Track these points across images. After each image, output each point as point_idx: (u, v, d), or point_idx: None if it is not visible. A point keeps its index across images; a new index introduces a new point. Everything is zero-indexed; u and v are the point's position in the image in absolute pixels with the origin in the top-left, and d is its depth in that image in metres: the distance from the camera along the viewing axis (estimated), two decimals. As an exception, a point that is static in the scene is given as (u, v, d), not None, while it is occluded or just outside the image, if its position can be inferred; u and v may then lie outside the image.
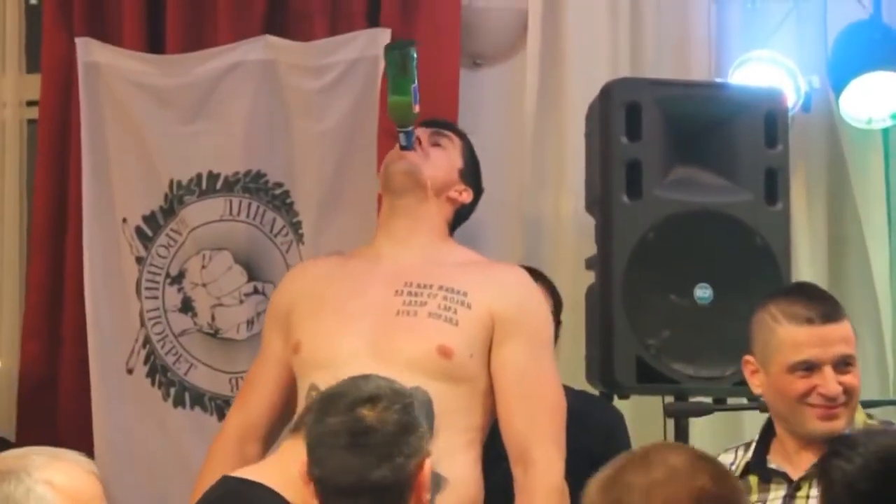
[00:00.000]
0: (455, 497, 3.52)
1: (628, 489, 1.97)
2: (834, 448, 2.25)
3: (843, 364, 3.06)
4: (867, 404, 4.30)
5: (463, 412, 3.56)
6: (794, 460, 3.10)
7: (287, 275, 3.98)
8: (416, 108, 3.66)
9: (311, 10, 4.70)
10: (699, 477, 1.97)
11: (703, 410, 3.91)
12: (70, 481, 2.44)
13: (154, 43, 4.78)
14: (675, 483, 1.96)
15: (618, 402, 4.18)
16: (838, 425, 3.05)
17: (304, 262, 4.45)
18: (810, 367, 3.05)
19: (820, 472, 2.24)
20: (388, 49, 3.81)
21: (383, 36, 4.58)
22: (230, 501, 2.93)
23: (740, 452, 3.23)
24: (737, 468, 3.19)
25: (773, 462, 3.13)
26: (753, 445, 3.20)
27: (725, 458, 3.23)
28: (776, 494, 3.11)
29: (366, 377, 2.81)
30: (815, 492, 3.02)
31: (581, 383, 4.14)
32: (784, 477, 3.11)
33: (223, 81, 4.68)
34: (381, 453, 2.63)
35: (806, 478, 3.07)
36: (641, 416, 4.40)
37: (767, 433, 3.19)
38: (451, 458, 3.49)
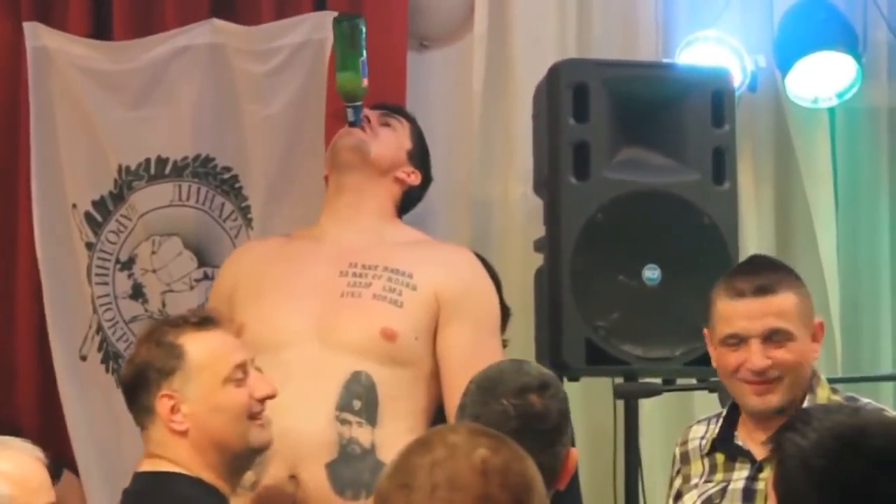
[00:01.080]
0: None
1: (412, 471, 1.96)
2: (789, 423, 2.21)
3: (775, 338, 2.99)
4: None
5: (407, 397, 3.49)
6: (755, 438, 3.05)
7: (229, 257, 3.91)
8: (365, 83, 3.59)
9: (259, -7, 4.61)
10: (478, 449, 1.96)
11: (652, 391, 3.85)
12: (17, 469, 2.47)
13: (101, 28, 4.67)
14: (455, 458, 1.95)
15: (567, 385, 4.09)
16: (772, 400, 3.00)
17: (246, 243, 4.37)
18: (740, 341, 3.01)
19: (774, 447, 2.19)
20: (336, 21, 3.73)
21: (329, 19, 4.44)
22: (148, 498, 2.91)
23: (712, 424, 3.19)
24: (706, 442, 3.15)
25: (740, 439, 3.09)
26: (721, 421, 3.14)
27: (697, 430, 3.21)
28: (740, 475, 3.07)
29: (525, 363, 2.80)
30: None
31: (531, 365, 4.05)
32: (748, 456, 3.07)
33: (171, 66, 4.58)
34: (546, 440, 2.59)
35: (769, 459, 3.00)
36: (591, 398, 4.35)
37: (735, 409, 3.14)
38: (395, 445, 3.35)
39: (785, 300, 3.01)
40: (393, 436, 3.45)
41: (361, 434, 3.47)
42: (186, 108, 4.58)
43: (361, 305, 3.49)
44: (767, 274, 3.05)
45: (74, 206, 4.66)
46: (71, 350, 4.64)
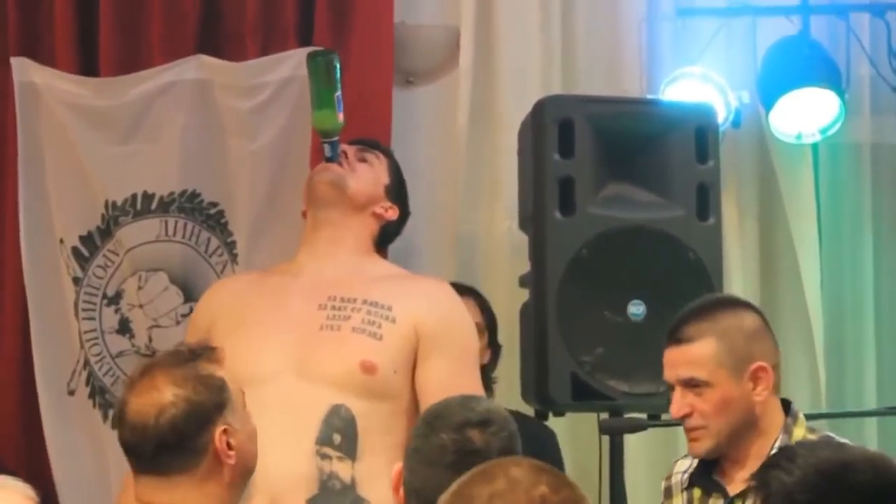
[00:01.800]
0: None
1: (471, 500, 1.95)
2: (774, 460, 2.19)
3: (691, 386, 2.99)
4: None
5: (386, 431, 3.44)
6: (728, 474, 3.04)
7: (206, 292, 3.87)
8: (341, 118, 3.56)
9: (244, 29, 4.58)
10: (538, 485, 1.96)
11: (637, 426, 3.80)
12: None
13: (87, 64, 4.64)
14: (515, 492, 1.95)
15: (553, 420, 4.07)
16: (699, 447, 3.02)
17: (222, 279, 4.33)
18: (671, 387, 3.03)
19: (758, 483, 2.17)
20: (310, 57, 3.70)
21: (316, 56, 4.45)
22: None
23: (694, 460, 3.15)
24: (686, 476, 3.14)
25: (717, 474, 3.06)
26: None
27: (682, 464, 3.19)
28: None
29: (476, 398, 2.75)
30: None
31: (516, 401, 4.02)
32: (722, 491, 3.05)
33: (157, 102, 4.55)
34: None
35: (741, 495, 2.99)
36: (576, 433, 4.31)
37: None
38: (374, 480, 3.40)
39: (701, 349, 2.99)
40: (372, 470, 3.40)
41: (341, 469, 3.42)
42: (173, 143, 4.56)
43: (340, 338, 3.45)
44: (695, 320, 3.02)
45: (62, 241, 4.62)
46: (59, 385, 4.58)
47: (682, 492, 3.14)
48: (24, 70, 4.59)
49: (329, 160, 3.59)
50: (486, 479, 1.97)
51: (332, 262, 3.59)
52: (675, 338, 3.01)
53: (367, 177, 3.68)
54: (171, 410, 2.72)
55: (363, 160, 3.70)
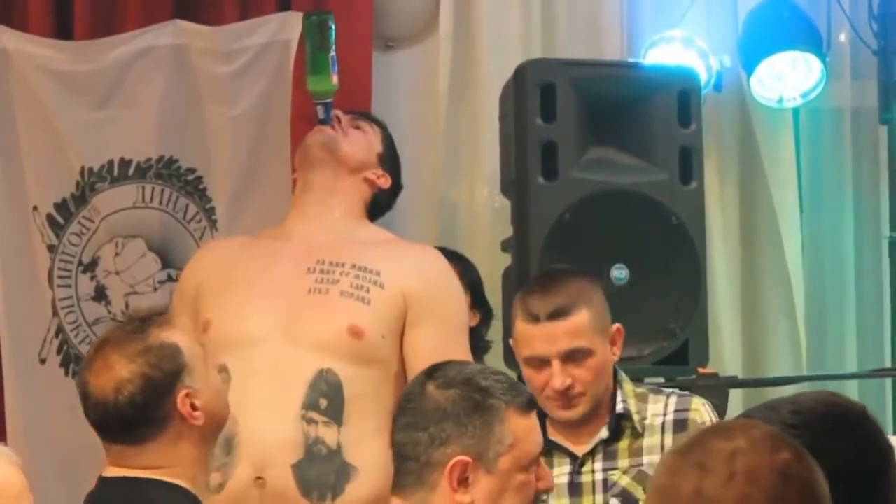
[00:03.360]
0: (365, 485, 3.36)
1: (710, 453, 1.89)
2: (751, 411, 2.18)
3: (574, 357, 3.03)
4: (782, 381, 4.26)
5: (373, 397, 3.40)
6: (570, 435, 3.10)
7: (195, 254, 3.83)
8: (335, 80, 3.52)
9: (222, -7, 4.53)
10: (782, 451, 1.91)
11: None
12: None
13: (62, 29, 4.57)
14: (758, 452, 1.89)
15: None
16: (577, 412, 3.07)
17: (210, 241, 4.28)
18: (541, 362, 3.05)
19: None
20: (306, 17, 3.65)
21: (294, 20, 4.39)
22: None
23: None
24: None
25: (553, 436, 3.10)
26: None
27: None
28: (560, 470, 3.10)
29: (490, 368, 2.69)
30: (599, 465, 3.08)
31: (500, 366, 3.98)
32: (566, 452, 3.10)
33: (134, 67, 4.48)
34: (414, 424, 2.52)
35: (590, 454, 3.09)
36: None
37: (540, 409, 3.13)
38: (361, 446, 3.36)
39: (579, 319, 3.04)
40: (358, 436, 3.37)
41: (327, 434, 3.38)
42: (150, 109, 4.49)
43: (328, 302, 3.40)
44: (560, 294, 3.05)
45: (35, 208, 4.55)
46: (28, 353, 4.53)
47: None
48: (-5, 36, 4.54)
49: (322, 122, 3.54)
50: (726, 435, 1.92)
51: (322, 225, 3.54)
52: (549, 313, 3.02)
53: (360, 141, 3.64)
54: (129, 387, 2.73)
55: (357, 127, 3.66)
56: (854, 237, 4.65)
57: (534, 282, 3.22)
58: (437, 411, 2.46)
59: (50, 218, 4.56)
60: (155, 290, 4.51)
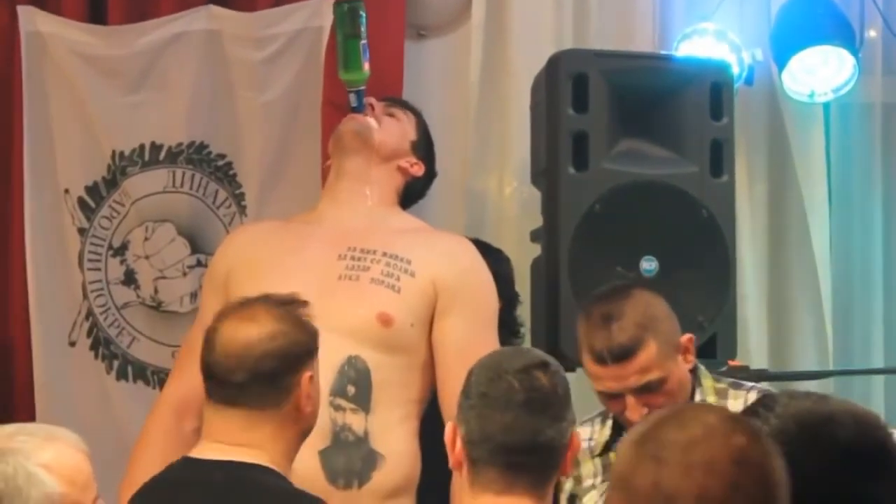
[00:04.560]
0: (391, 473, 3.34)
1: (665, 445, 1.85)
2: (752, 408, 2.10)
3: (647, 388, 2.95)
4: (810, 375, 4.22)
5: (400, 385, 3.37)
6: None
7: (225, 239, 3.80)
8: (367, 67, 3.48)
9: (255, -20, 4.51)
10: (737, 436, 1.86)
11: (651, 382, 3.74)
12: (68, 464, 2.34)
13: (96, 13, 4.56)
14: (713, 440, 1.85)
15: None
16: None
17: (242, 225, 4.26)
18: (615, 395, 2.97)
19: None
20: (337, 4, 3.61)
21: (326, 7, 4.35)
22: (238, 490, 2.66)
23: (596, 426, 3.15)
24: (596, 443, 3.11)
25: None
26: (610, 422, 3.10)
27: (582, 432, 3.14)
28: None
29: (524, 348, 2.76)
30: None
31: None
32: None
33: (166, 52, 4.47)
34: (553, 415, 2.49)
35: None
36: (585, 388, 4.24)
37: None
38: (387, 434, 3.33)
39: (646, 356, 2.94)
40: (385, 424, 3.34)
41: (355, 421, 3.36)
42: (181, 94, 4.48)
43: (358, 289, 3.38)
44: (624, 330, 2.94)
45: (67, 191, 4.55)
46: (59, 336, 4.52)
47: (592, 458, 3.11)
48: (30, 19, 4.51)
49: (355, 110, 3.51)
50: (679, 425, 1.88)
51: (354, 212, 3.51)
52: (615, 356, 2.93)
53: (394, 129, 3.60)
54: (272, 343, 2.65)
55: (391, 114, 3.63)
56: (882, 232, 4.60)
57: (595, 310, 3.03)
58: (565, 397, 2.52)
59: (81, 201, 4.55)
60: (184, 274, 4.50)
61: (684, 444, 1.83)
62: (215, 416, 2.70)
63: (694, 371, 3.06)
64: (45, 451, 2.33)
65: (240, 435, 2.67)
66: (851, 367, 4.50)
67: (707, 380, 3.07)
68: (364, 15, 3.49)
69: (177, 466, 2.75)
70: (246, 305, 2.72)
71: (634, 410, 2.94)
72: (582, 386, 4.22)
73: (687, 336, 3.03)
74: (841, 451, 1.97)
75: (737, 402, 3.00)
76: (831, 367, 4.42)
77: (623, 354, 2.93)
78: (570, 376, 3.98)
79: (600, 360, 2.95)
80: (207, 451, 2.70)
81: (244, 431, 2.67)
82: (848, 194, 4.62)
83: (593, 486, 3.09)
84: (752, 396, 2.99)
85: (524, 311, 4.04)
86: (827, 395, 2.13)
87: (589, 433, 3.14)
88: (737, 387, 3.08)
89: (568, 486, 3.15)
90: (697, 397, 3.02)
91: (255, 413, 2.66)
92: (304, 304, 2.76)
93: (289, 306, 2.73)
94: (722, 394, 3.05)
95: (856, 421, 2.01)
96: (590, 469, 3.11)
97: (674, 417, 1.91)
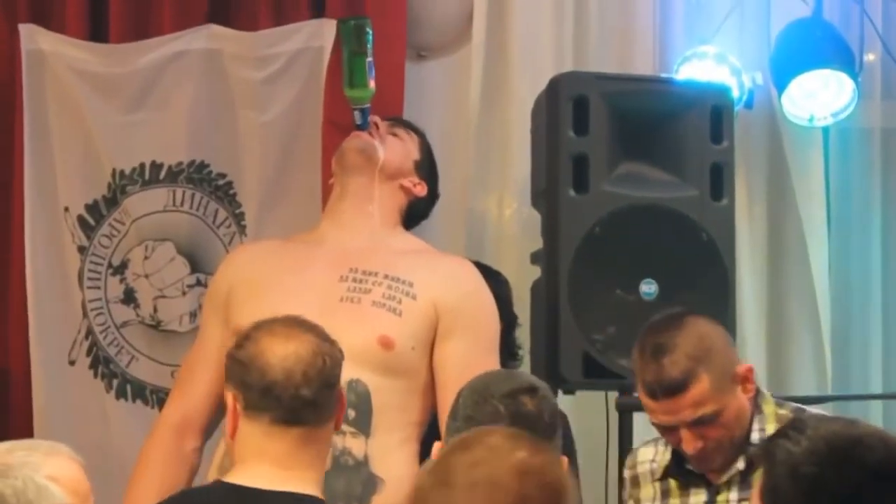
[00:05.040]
0: (391, 497, 3.32)
1: (451, 470, 1.94)
2: (783, 430, 2.08)
3: (702, 421, 2.89)
4: (807, 400, 4.21)
5: (401, 408, 3.36)
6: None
7: (225, 258, 3.79)
8: (372, 85, 3.46)
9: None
10: (517, 451, 1.96)
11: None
12: (70, 475, 2.37)
13: (97, 31, 4.54)
14: (495, 459, 1.94)
15: (561, 398, 4.00)
16: (714, 462, 2.95)
17: (242, 244, 4.25)
18: (668, 428, 2.92)
19: (763, 453, 2.06)
20: (342, 21, 3.60)
21: (328, 27, 4.37)
22: None
23: (660, 446, 3.10)
24: (658, 466, 3.07)
25: (692, 464, 3.00)
26: (669, 446, 3.05)
27: (646, 452, 3.12)
28: (697, 499, 3.00)
29: (515, 371, 2.80)
30: (734, 495, 2.95)
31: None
32: (703, 480, 2.99)
33: (167, 71, 4.46)
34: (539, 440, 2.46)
35: (726, 483, 2.97)
36: (584, 411, 4.24)
37: None
38: (387, 457, 3.31)
39: (698, 390, 2.87)
40: (385, 448, 3.33)
41: (355, 445, 3.34)
42: (182, 113, 4.47)
43: (360, 311, 3.36)
44: (676, 364, 2.87)
45: (67, 209, 4.53)
46: (58, 354, 4.50)
47: (653, 482, 3.08)
48: (31, 37, 4.50)
49: (359, 128, 3.49)
50: (464, 448, 1.96)
51: (356, 232, 3.50)
52: (666, 391, 2.86)
53: (397, 148, 3.59)
54: (324, 357, 2.65)
55: (394, 134, 3.62)
56: (881, 257, 4.59)
57: (648, 342, 2.94)
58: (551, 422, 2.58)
59: (81, 219, 4.53)
60: (184, 294, 4.48)
61: (468, 465, 1.93)
62: (265, 438, 2.64)
63: (756, 397, 2.98)
64: (50, 464, 2.35)
65: (294, 455, 2.64)
66: (849, 391, 4.49)
67: (769, 406, 3.00)
68: (370, 32, 3.47)
69: (218, 492, 2.70)
70: (267, 325, 2.70)
71: (689, 443, 2.89)
72: (583, 409, 4.24)
73: (746, 366, 2.96)
74: (870, 473, 1.96)
75: None
76: (829, 391, 4.41)
77: (674, 389, 2.86)
78: (571, 399, 4.05)
79: (652, 394, 2.88)
80: (257, 476, 2.65)
81: (298, 451, 2.64)
82: (847, 218, 4.61)
83: None
84: None
85: (523, 333, 4.02)
86: (856, 419, 2.13)
87: (652, 454, 3.10)
88: (800, 412, 3.02)
89: None
90: (756, 426, 2.95)
91: (312, 431, 2.64)
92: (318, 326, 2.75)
93: (310, 323, 2.73)
94: (782, 421, 2.94)
95: (885, 444, 2.00)
96: (650, 493, 3.08)
97: (461, 442, 2.01)
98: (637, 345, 2.97)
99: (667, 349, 2.89)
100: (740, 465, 2.95)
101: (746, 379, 2.95)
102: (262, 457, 2.65)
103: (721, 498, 2.96)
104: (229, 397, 2.69)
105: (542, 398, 2.56)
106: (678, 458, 3.02)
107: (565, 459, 2.58)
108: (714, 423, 2.89)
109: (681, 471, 3.02)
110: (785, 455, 1.99)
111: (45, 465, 2.35)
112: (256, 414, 2.66)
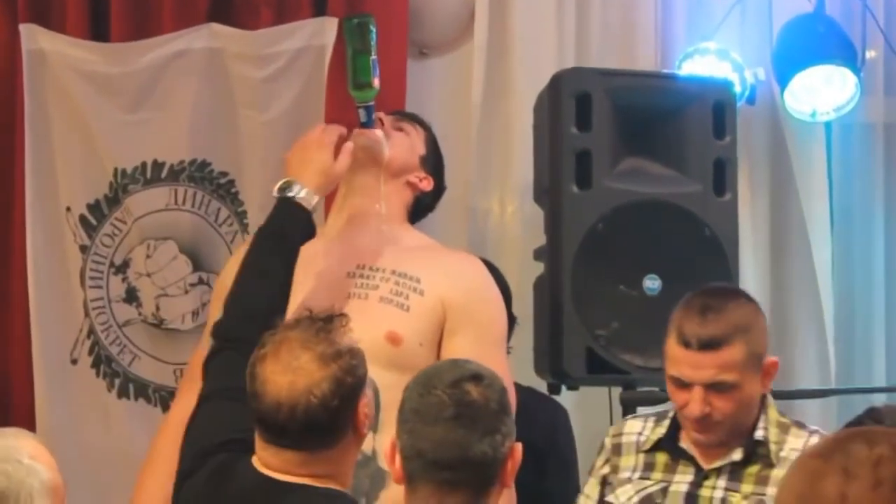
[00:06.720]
0: (398, 493, 3.28)
1: (854, 459, 1.82)
2: (860, 419, 2.14)
3: (718, 388, 2.89)
4: (810, 394, 4.20)
5: None
6: (702, 447, 2.99)
7: (232, 257, 3.76)
8: (376, 83, 3.44)
9: (258, -2, 4.49)
10: None
11: (657, 400, 3.70)
12: (43, 452, 2.49)
13: (98, 30, 4.54)
14: None
15: (565, 393, 3.99)
16: (712, 438, 2.95)
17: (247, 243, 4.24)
18: (684, 384, 2.92)
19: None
20: (346, 19, 3.58)
21: (329, 25, 4.37)
22: None
23: (650, 423, 3.09)
24: (646, 439, 3.06)
25: (685, 442, 3.00)
26: (667, 421, 3.05)
27: (634, 425, 3.12)
28: (682, 478, 2.99)
29: (462, 360, 2.67)
30: (721, 483, 2.95)
31: (530, 375, 3.94)
32: (692, 461, 2.99)
33: (168, 70, 4.46)
34: (484, 428, 2.48)
35: (716, 469, 2.97)
36: (587, 406, 4.23)
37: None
38: None
39: (730, 354, 2.88)
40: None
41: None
42: (183, 112, 4.47)
43: (367, 308, 3.34)
44: (720, 322, 2.89)
45: (68, 208, 4.53)
46: (60, 354, 4.49)
47: (637, 453, 3.07)
48: (32, 37, 4.49)
49: (364, 125, 3.48)
50: (867, 439, 1.84)
51: (363, 229, 3.48)
52: (701, 343, 2.88)
53: (403, 144, 3.57)
54: (323, 390, 2.59)
55: (399, 129, 3.59)
56: (884, 251, 4.59)
57: (697, 300, 2.97)
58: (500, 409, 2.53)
59: (82, 219, 4.53)
60: (186, 292, 4.48)
61: (874, 459, 1.81)
62: (270, 452, 2.66)
63: (763, 399, 2.99)
64: (26, 446, 2.47)
65: (300, 469, 2.65)
66: (853, 384, 4.48)
67: (773, 411, 3.00)
68: (374, 31, 3.45)
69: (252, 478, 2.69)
70: (286, 345, 2.64)
71: (697, 405, 2.89)
72: (585, 404, 4.23)
73: (773, 360, 2.96)
74: None
75: (797, 441, 2.95)
76: (833, 385, 4.40)
77: (710, 344, 2.87)
78: (573, 395, 4.04)
79: (685, 342, 2.89)
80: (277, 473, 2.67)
81: (305, 466, 2.65)
82: (849, 213, 4.61)
83: (629, 480, 3.05)
84: (815, 440, 2.92)
85: (527, 330, 4.01)
86: None
87: (640, 427, 3.09)
88: (800, 426, 3.01)
89: (603, 470, 3.11)
90: (761, 425, 2.96)
91: (318, 452, 2.65)
92: (343, 317, 2.71)
93: (328, 329, 2.67)
94: (784, 428, 2.98)
95: None
96: (631, 462, 3.07)
97: (862, 435, 1.88)
98: (683, 301, 2.99)
99: (715, 309, 2.92)
100: (736, 456, 2.95)
101: (769, 373, 2.96)
102: (267, 465, 2.68)
103: (708, 483, 2.96)
104: None
105: (488, 385, 2.52)
106: (674, 432, 3.02)
107: (518, 446, 2.55)
108: (729, 393, 2.89)
109: (674, 446, 3.01)
110: None
111: (24, 447, 2.46)
112: (257, 427, 2.69)
